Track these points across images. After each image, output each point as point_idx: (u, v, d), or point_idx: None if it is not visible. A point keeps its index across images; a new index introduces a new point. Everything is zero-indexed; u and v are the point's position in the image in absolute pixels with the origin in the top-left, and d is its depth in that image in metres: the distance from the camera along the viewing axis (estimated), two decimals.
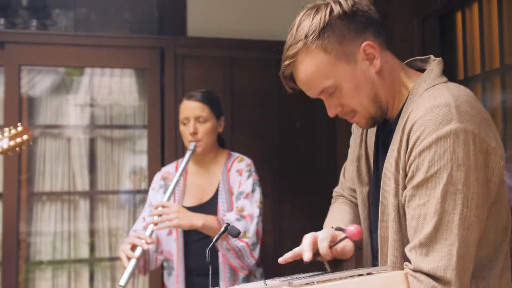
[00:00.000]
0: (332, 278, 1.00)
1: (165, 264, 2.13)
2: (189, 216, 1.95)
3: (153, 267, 2.11)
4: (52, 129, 3.03)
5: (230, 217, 2.04)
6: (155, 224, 1.87)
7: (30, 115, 2.93)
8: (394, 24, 2.72)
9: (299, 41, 1.12)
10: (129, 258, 1.79)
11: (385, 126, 1.23)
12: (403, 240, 1.10)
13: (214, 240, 1.26)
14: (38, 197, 2.93)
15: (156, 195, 2.12)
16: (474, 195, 1.03)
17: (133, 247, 1.80)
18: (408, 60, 1.24)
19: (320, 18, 1.11)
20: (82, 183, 2.99)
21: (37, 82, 3.04)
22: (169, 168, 2.22)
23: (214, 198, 2.14)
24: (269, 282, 1.01)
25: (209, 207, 2.10)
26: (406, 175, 1.10)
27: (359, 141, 1.31)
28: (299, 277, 1.02)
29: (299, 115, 3.09)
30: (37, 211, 2.92)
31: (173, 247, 2.09)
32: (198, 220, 1.94)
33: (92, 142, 3.07)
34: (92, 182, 3.01)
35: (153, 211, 1.94)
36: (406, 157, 1.10)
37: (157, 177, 2.18)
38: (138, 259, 1.80)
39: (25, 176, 2.84)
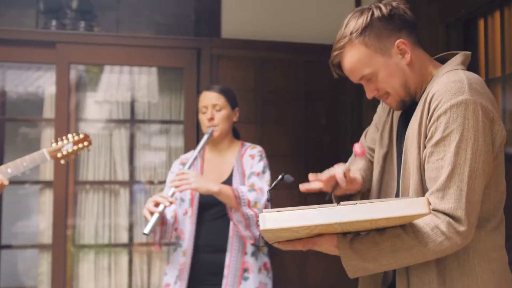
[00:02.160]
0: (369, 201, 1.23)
1: (174, 240, 2.31)
2: (206, 181, 2.13)
3: (167, 239, 2.29)
4: (96, 123, 3.20)
5: (243, 189, 2.19)
6: (177, 187, 2.06)
7: (77, 110, 3.12)
8: (420, 31, 2.85)
9: (345, 36, 1.35)
10: (152, 213, 1.99)
11: (411, 105, 1.43)
12: (423, 189, 1.31)
13: (271, 188, 1.46)
14: (83, 185, 3.12)
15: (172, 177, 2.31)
16: (481, 152, 1.24)
17: (156, 205, 2.01)
18: (444, 54, 1.44)
19: (363, 19, 1.35)
20: (122, 173, 3.16)
21: (83, 80, 3.23)
22: (187, 155, 2.43)
23: (229, 179, 2.30)
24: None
25: None
26: (426, 137, 1.31)
27: (388, 110, 1.52)
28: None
29: (325, 113, 3.19)
30: (81, 198, 3.11)
31: (187, 225, 2.26)
32: (215, 186, 2.11)
33: (132, 135, 3.22)
34: (132, 172, 3.18)
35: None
36: (427, 122, 1.30)
37: (176, 162, 2.41)
38: (160, 213, 1.99)
39: (72, 166, 3.02)
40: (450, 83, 1.29)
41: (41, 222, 3.09)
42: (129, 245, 3.18)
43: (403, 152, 1.38)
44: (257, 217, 2.16)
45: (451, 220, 1.26)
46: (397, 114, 1.49)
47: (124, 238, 3.16)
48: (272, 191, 1.52)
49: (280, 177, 1.44)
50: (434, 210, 1.25)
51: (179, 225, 2.30)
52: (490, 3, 2.40)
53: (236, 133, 2.49)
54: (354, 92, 3.15)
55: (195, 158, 2.23)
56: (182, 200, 2.29)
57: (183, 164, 2.37)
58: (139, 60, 3.08)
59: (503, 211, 1.38)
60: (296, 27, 3.17)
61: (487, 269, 1.30)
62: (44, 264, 3.03)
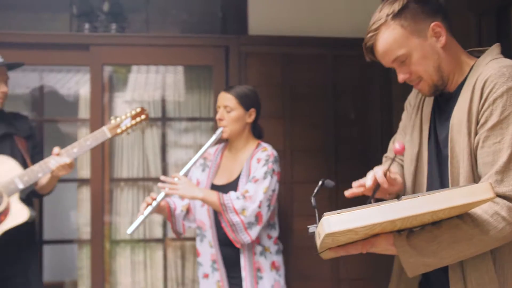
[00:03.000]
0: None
1: (197, 231, 2.46)
2: (192, 189, 2.29)
3: (181, 230, 2.49)
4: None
5: (232, 195, 2.30)
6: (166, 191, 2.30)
7: (110, 110, 3.25)
8: (452, 20, 2.86)
9: (381, 18, 1.38)
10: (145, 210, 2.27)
11: (443, 96, 1.45)
12: (474, 177, 1.31)
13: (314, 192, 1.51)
14: (117, 182, 3.25)
15: (195, 171, 2.49)
16: None
17: (147, 206, 2.28)
18: (470, 50, 1.46)
19: (399, 2, 1.37)
20: (155, 170, 3.28)
21: (114, 80, 3.36)
22: (210, 150, 2.51)
23: (236, 180, 2.39)
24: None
25: (231, 187, 2.38)
26: (477, 123, 1.31)
27: (416, 111, 1.54)
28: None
29: (352, 107, 3.22)
30: (116, 195, 3.24)
31: (205, 218, 2.38)
32: (199, 193, 2.28)
33: (163, 133, 3.34)
34: (164, 169, 3.29)
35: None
36: (480, 107, 1.31)
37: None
38: (146, 216, 2.25)
39: (108, 164, 3.15)
40: (502, 68, 1.31)
41: (79, 218, 3.25)
42: (163, 240, 3.30)
43: (448, 141, 1.37)
44: (243, 223, 2.28)
45: (511, 204, 1.25)
46: (426, 114, 1.50)
47: (158, 233, 3.28)
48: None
49: (320, 183, 1.46)
50: None
51: (197, 216, 2.43)
52: None
53: (258, 132, 2.53)
54: (383, 87, 3.18)
55: (195, 162, 2.37)
56: None
57: (204, 158, 2.50)
58: (169, 59, 3.18)
59: None
60: (322, 21, 3.20)
61: None
62: (83, 259, 3.18)
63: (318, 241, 1.28)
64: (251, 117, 2.44)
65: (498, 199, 1.25)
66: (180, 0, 3.44)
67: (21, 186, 2.39)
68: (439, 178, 1.42)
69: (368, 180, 1.38)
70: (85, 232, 3.18)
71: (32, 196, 2.59)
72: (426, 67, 1.40)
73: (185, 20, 3.46)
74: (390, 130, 3.11)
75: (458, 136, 1.35)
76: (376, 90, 3.23)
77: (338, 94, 3.21)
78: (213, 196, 2.27)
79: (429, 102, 1.51)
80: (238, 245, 2.31)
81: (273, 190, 2.35)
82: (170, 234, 3.27)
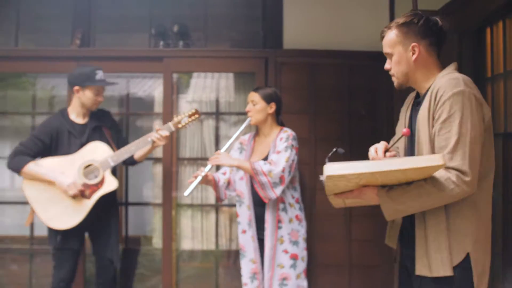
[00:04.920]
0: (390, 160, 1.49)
1: (237, 198, 2.89)
2: (229, 159, 2.71)
3: (222, 197, 2.90)
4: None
5: (260, 162, 2.69)
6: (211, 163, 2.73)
7: (177, 107, 3.81)
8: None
9: (393, 23, 1.72)
10: (195, 179, 2.71)
11: (418, 99, 1.75)
12: None
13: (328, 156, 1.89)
14: (182, 161, 3.83)
15: (234, 153, 2.92)
16: (475, 126, 1.54)
17: (196, 176, 2.70)
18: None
19: (405, 19, 1.70)
20: (210, 152, 3.79)
21: (181, 84, 3.89)
22: (245, 137, 2.96)
23: (267, 157, 2.80)
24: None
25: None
26: (433, 118, 1.58)
27: (402, 115, 1.84)
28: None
29: (364, 105, 3.55)
30: (181, 170, 3.80)
31: (244, 188, 2.82)
32: (235, 161, 2.70)
33: (217, 124, 3.78)
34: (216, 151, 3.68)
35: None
36: (435, 107, 1.57)
37: (237, 142, 2.97)
38: (196, 183, 2.64)
39: (175, 147, 3.70)
40: (450, 80, 1.59)
41: (154, 187, 3.82)
42: (216, 205, 3.81)
43: (416, 132, 1.65)
44: (270, 183, 2.65)
45: (459, 173, 1.50)
46: (407, 117, 1.80)
47: (212, 199, 3.80)
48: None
49: (334, 149, 1.75)
50: (446, 167, 1.51)
51: (237, 187, 2.86)
52: (494, 15, 2.70)
53: (281, 121, 2.93)
54: (388, 91, 3.42)
55: (232, 142, 2.79)
56: (238, 169, 2.85)
57: (240, 143, 2.93)
58: (222, 67, 3.66)
59: (492, 182, 1.66)
60: (341, 38, 3.52)
61: (474, 208, 1.59)
62: (157, 218, 3.76)
63: (325, 186, 1.55)
64: (271, 109, 2.83)
65: (450, 169, 1.51)
66: (230, 22, 3.77)
67: (112, 164, 2.89)
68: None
69: (372, 153, 1.64)
70: (158, 197, 3.72)
71: (129, 163, 3.14)
72: (398, 69, 1.71)
73: (234, 37, 3.80)
74: (392, 125, 3.34)
75: (423, 127, 1.63)
76: (383, 93, 3.52)
77: (352, 96, 3.55)
78: (246, 163, 2.68)
79: (409, 108, 1.82)
80: (266, 201, 2.68)
81: (293, 160, 2.73)
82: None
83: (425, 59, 1.69)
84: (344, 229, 3.50)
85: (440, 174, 1.52)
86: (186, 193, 2.66)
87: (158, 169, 3.80)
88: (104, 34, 3.76)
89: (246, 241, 2.87)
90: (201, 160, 3.85)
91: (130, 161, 3.13)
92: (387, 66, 1.75)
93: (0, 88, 3.93)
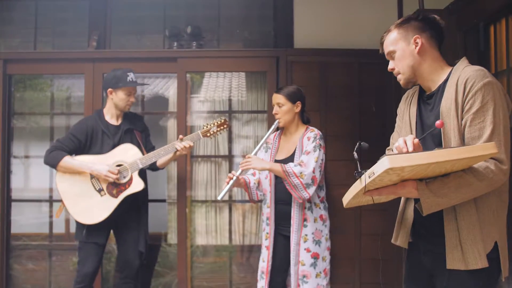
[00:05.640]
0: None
1: (263, 197, 2.96)
2: (261, 162, 2.72)
3: (255, 198, 2.93)
4: (203, 114, 3.94)
5: (290, 164, 2.69)
6: (243, 168, 2.76)
7: (191, 107, 3.90)
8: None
9: (391, 28, 1.78)
10: (228, 182, 2.73)
11: (427, 95, 1.75)
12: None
13: (355, 155, 2.12)
14: (196, 158, 3.94)
15: (259, 153, 2.95)
16: (506, 115, 1.57)
17: (230, 178, 2.74)
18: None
19: (402, 20, 1.78)
20: (223, 150, 3.91)
21: (194, 83, 3.97)
22: (271, 136, 2.99)
23: (292, 155, 2.82)
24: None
25: (289, 160, 2.82)
26: (463, 110, 1.58)
27: (406, 112, 1.83)
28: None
29: (374, 103, 3.61)
30: (195, 167, 3.90)
31: (267, 186, 2.87)
32: (267, 165, 2.72)
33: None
34: (230, 149, 3.89)
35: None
36: (464, 98, 1.57)
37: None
38: (230, 186, 2.68)
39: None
40: (477, 71, 1.60)
41: (169, 184, 3.93)
42: (230, 202, 3.89)
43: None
44: (302, 184, 2.63)
45: (496, 162, 1.52)
46: (413, 112, 1.80)
47: (225, 196, 3.67)
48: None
49: (358, 144, 1.72)
50: None
51: (263, 186, 2.92)
52: (498, 13, 2.76)
53: (306, 119, 2.94)
54: (395, 89, 3.41)
55: (261, 145, 2.80)
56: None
57: (266, 143, 2.96)
58: (234, 67, 3.77)
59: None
60: (350, 36, 3.58)
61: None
62: (172, 215, 3.85)
63: (368, 180, 1.45)
64: (298, 108, 2.84)
65: (489, 159, 1.52)
66: (242, 22, 3.84)
67: (140, 166, 3.00)
68: (426, 150, 1.61)
69: (401, 145, 1.54)
70: (173, 194, 3.85)
71: (152, 169, 3.22)
72: (403, 64, 1.72)
73: (246, 37, 3.87)
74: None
75: (448, 119, 1.61)
76: (390, 90, 3.57)
77: (362, 93, 3.61)
78: (277, 166, 2.70)
79: (414, 103, 1.82)
80: (300, 201, 2.71)
81: (322, 160, 2.77)
82: (235, 197, 3.89)
83: (428, 50, 1.72)
84: (354, 223, 3.57)
85: (478, 164, 1.53)
86: (220, 196, 2.72)
87: (173, 167, 3.91)
88: (119, 36, 3.87)
89: (262, 238, 2.95)
90: (215, 158, 3.95)
91: (153, 167, 3.23)
92: (390, 66, 1.78)
93: (18, 89, 4.03)
